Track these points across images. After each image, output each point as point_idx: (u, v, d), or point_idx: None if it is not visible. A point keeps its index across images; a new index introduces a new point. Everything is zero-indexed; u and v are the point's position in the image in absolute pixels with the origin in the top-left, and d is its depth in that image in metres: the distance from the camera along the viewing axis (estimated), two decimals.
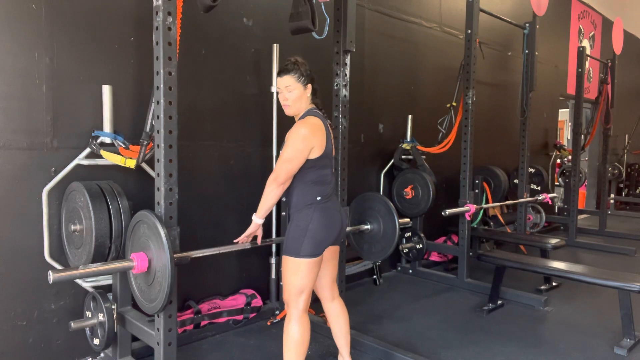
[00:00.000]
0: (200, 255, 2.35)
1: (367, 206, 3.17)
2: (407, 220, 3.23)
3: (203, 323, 2.99)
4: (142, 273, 2.08)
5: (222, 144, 3.19)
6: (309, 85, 2.24)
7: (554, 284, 4.15)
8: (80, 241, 2.32)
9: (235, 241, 2.36)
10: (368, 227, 3.10)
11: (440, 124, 4.51)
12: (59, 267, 2.46)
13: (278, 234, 3.36)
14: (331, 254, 2.39)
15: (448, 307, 3.68)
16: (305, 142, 2.11)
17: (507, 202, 5.03)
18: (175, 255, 2.01)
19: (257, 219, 2.26)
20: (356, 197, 3.25)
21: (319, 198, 2.18)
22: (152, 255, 2.03)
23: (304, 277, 2.17)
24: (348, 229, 3.01)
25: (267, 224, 3.39)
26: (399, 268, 4.56)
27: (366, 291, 3.99)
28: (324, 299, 2.46)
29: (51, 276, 1.82)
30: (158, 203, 2.09)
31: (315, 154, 2.14)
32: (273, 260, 3.39)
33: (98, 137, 2.52)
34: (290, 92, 2.21)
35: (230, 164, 3.24)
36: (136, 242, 2.14)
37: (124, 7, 2.66)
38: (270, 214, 3.33)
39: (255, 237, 2.39)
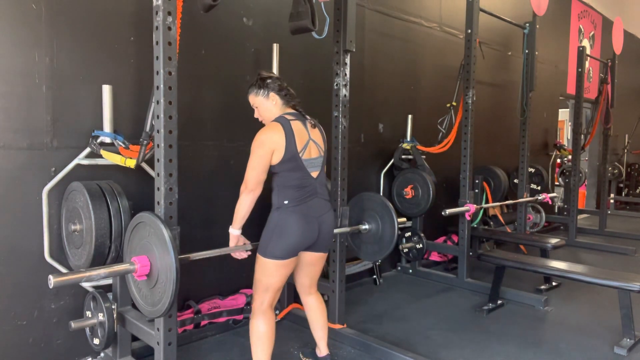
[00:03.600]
0: (201, 257, 2.32)
1: (365, 206, 3.15)
2: (404, 219, 3.24)
3: (203, 323, 2.99)
4: (145, 277, 2.04)
5: (222, 144, 3.19)
6: (272, 94, 2.29)
7: (554, 283, 4.15)
8: (80, 241, 2.32)
9: (234, 255, 2.37)
10: (366, 227, 3.08)
11: (440, 124, 4.51)
12: (59, 267, 2.46)
13: None
14: (310, 260, 2.41)
15: (448, 306, 3.68)
16: (262, 147, 2.16)
17: (507, 202, 5.03)
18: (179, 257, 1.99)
19: (233, 230, 2.29)
20: (352, 198, 3.22)
21: (286, 202, 2.21)
22: (154, 258, 1.99)
23: (268, 276, 2.24)
24: (346, 229, 2.98)
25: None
26: (399, 268, 4.57)
27: (366, 291, 3.99)
28: (301, 293, 2.56)
29: (51, 281, 1.81)
30: (158, 203, 2.09)
31: (277, 157, 2.18)
32: None
33: (98, 136, 2.52)
34: (256, 108, 2.36)
35: (230, 164, 3.24)
36: (136, 245, 2.08)
37: (124, 7, 2.66)
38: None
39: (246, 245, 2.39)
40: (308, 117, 2.35)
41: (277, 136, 2.18)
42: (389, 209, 3.00)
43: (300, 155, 2.23)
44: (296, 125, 2.25)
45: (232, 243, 2.32)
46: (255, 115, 2.39)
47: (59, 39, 2.44)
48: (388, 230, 2.99)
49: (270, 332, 2.28)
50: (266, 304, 2.28)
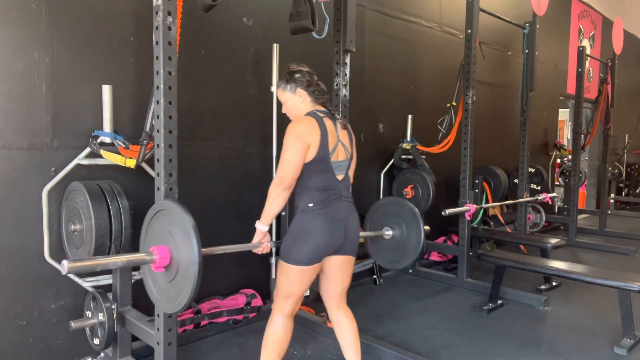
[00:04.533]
0: (224, 252, 2.22)
1: (389, 211, 2.89)
2: (428, 228, 2.88)
3: (203, 323, 2.99)
4: (163, 269, 1.92)
5: (222, 144, 3.19)
6: (299, 90, 2.18)
7: (554, 283, 4.15)
8: (80, 241, 2.32)
9: (256, 251, 2.23)
10: (390, 232, 2.84)
11: (440, 124, 4.51)
12: (59, 267, 2.45)
13: (278, 237, 3.36)
14: (338, 264, 2.24)
15: (448, 306, 3.68)
16: (301, 140, 2.02)
17: (507, 202, 5.03)
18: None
19: (261, 226, 2.15)
20: (375, 202, 2.98)
21: (311, 205, 2.09)
22: (175, 249, 1.86)
23: (291, 282, 2.13)
24: (369, 233, 2.83)
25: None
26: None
27: (366, 291, 3.99)
28: (329, 306, 2.37)
29: (65, 266, 1.67)
30: None
31: (310, 155, 2.05)
32: (273, 260, 3.39)
33: (98, 136, 2.52)
34: (284, 103, 2.25)
35: (230, 164, 3.24)
36: (155, 234, 1.96)
37: (124, 7, 2.66)
38: None
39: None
40: (338, 116, 2.23)
41: (314, 131, 2.05)
42: (416, 215, 2.78)
43: (330, 157, 2.10)
44: (328, 124, 2.12)
45: (257, 238, 2.19)
46: (284, 111, 2.28)
47: (59, 39, 2.44)
48: (414, 238, 2.77)
49: (285, 339, 2.18)
50: (286, 313, 2.18)
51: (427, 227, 2.83)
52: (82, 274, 2.51)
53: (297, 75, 2.18)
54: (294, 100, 2.20)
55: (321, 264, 2.18)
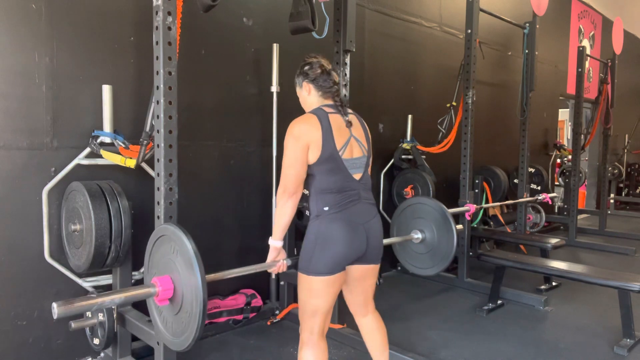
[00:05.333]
0: (233, 276, 2.03)
1: (416, 213, 2.75)
2: (461, 226, 2.74)
3: None
4: (167, 302, 1.78)
5: (222, 144, 3.19)
6: (304, 83, 2.04)
7: (554, 283, 4.15)
8: (80, 241, 2.32)
9: (271, 270, 2.07)
10: (418, 236, 2.68)
11: (440, 124, 4.51)
12: (59, 267, 2.46)
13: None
14: (361, 274, 2.05)
15: (448, 306, 3.68)
16: (297, 141, 1.87)
17: (507, 202, 5.03)
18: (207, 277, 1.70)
19: (274, 242, 1.99)
20: (398, 207, 2.86)
21: (326, 208, 1.91)
22: (178, 279, 1.72)
23: (315, 297, 1.92)
24: (396, 239, 2.68)
25: (267, 224, 3.40)
26: (399, 268, 4.56)
27: None
28: (355, 314, 2.20)
29: (55, 310, 1.51)
30: (158, 203, 2.09)
31: (314, 155, 1.89)
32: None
33: (98, 136, 2.52)
34: (299, 98, 2.12)
35: (230, 164, 3.24)
36: (158, 262, 1.83)
37: (123, 7, 2.66)
38: (270, 214, 3.33)
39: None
40: (350, 110, 2.06)
41: (313, 129, 1.89)
42: (446, 214, 2.63)
43: (340, 154, 1.92)
44: (335, 119, 1.95)
45: (271, 256, 2.02)
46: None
47: (59, 39, 2.44)
48: (446, 239, 2.59)
49: None
50: (317, 333, 1.96)
51: (459, 226, 2.64)
52: (82, 275, 2.51)
53: (305, 68, 2.04)
54: (302, 94, 2.08)
55: (345, 273, 1.98)
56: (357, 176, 1.98)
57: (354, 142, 1.98)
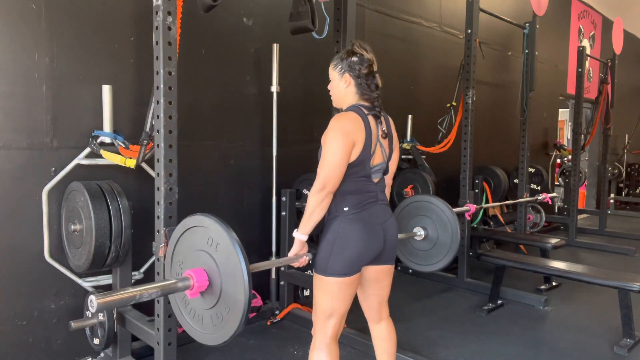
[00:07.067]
0: (265, 268, 2.06)
1: (418, 210, 2.78)
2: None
3: None
4: (199, 295, 1.73)
5: (222, 144, 3.19)
6: (346, 75, 1.92)
7: (554, 283, 4.15)
8: (80, 241, 2.32)
9: (294, 264, 2.02)
10: (421, 233, 2.69)
11: (440, 124, 4.52)
12: (59, 267, 2.46)
13: (278, 236, 3.36)
14: (377, 275, 2.04)
15: (448, 306, 3.68)
16: (346, 138, 1.79)
17: (507, 202, 5.02)
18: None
19: (300, 236, 1.91)
20: (399, 204, 2.88)
21: (346, 209, 1.88)
22: (213, 272, 1.68)
23: (332, 298, 1.89)
24: (399, 236, 2.56)
25: (267, 224, 3.40)
26: (399, 268, 4.56)
27: None
28: (369, 319, 2.17)
29: (94, 303, 1.47)
30: (158, 203, 2.09)
31: (352, 157, 1.83)
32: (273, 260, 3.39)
33: (98, 136, 2.52)
34: (331, 80, 2.01)
35: (230, 164, 3.24)
36: (185, 256, 1.79)
37: (123, 7, 2.66)
38: (270, 214, 3.34)
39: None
40: (384, 116, 1.98)
41: (359, 130, 1.83)
42: (448, 210, 2.65)
43: (370, 159, 1.90)
44: (372, 123, 1.90)
45: (296, 249, 1.96)
46: (328, 87, 2.03)
47: (59, 39, 2.44)
48: (449, 234, 2.62)
49: None
50: (330, 335, 1.93)
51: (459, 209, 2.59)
52: (82, 275, 2.51)
53: (353, 59, 1.92)
54: (339, 84, 1.96)
55: (361, 275, 1.97)
56: (376, 180, 1.97)
57: (379, 148, 1.95)
